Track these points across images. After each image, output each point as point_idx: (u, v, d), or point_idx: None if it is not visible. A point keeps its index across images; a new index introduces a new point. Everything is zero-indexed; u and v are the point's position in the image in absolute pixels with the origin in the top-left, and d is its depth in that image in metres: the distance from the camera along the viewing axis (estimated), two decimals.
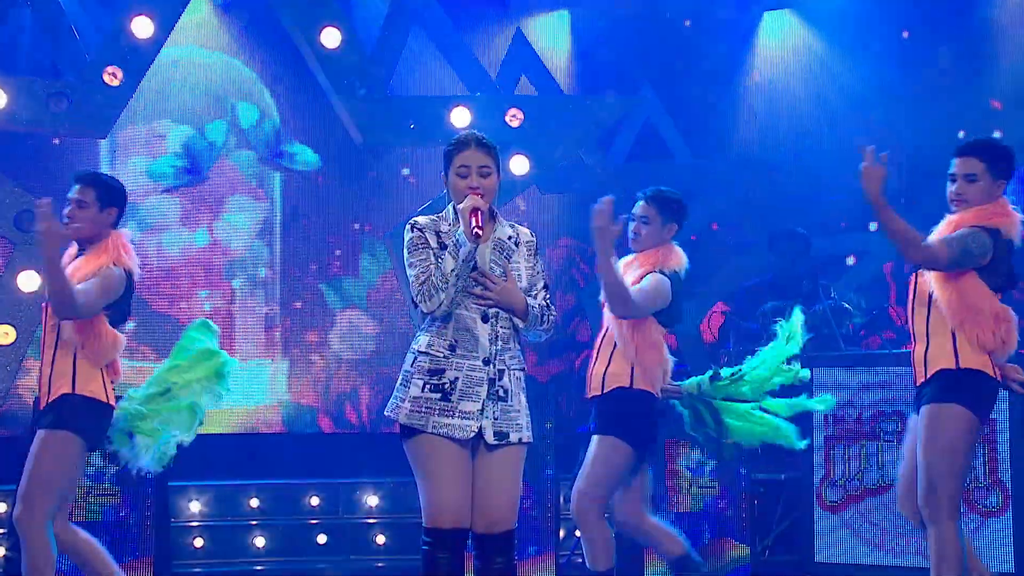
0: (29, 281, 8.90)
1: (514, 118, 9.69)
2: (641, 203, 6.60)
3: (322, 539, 9.08)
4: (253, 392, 10.46)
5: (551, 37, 11.07)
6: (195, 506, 9.04)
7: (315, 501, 9.17)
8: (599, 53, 11.07)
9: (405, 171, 10.80)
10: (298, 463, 9.90)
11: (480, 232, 4.98)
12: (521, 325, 5.13)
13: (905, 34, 10.96)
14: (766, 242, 10.18)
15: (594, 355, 6.58)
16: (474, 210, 5.00)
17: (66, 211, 6.05)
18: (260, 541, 9.00)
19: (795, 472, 8.46)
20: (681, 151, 10.67)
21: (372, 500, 9.19)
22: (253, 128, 10.62)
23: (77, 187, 6.09)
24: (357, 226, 10.73)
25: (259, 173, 10.65)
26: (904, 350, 9.20)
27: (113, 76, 9.19)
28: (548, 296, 5.26)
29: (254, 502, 9.10)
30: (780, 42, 11.25)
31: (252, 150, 10.63)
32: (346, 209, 10.72)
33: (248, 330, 10.58)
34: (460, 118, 9.62)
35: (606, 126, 10.16)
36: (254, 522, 9.06)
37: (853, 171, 5.57)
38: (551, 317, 5.22)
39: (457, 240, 5.04)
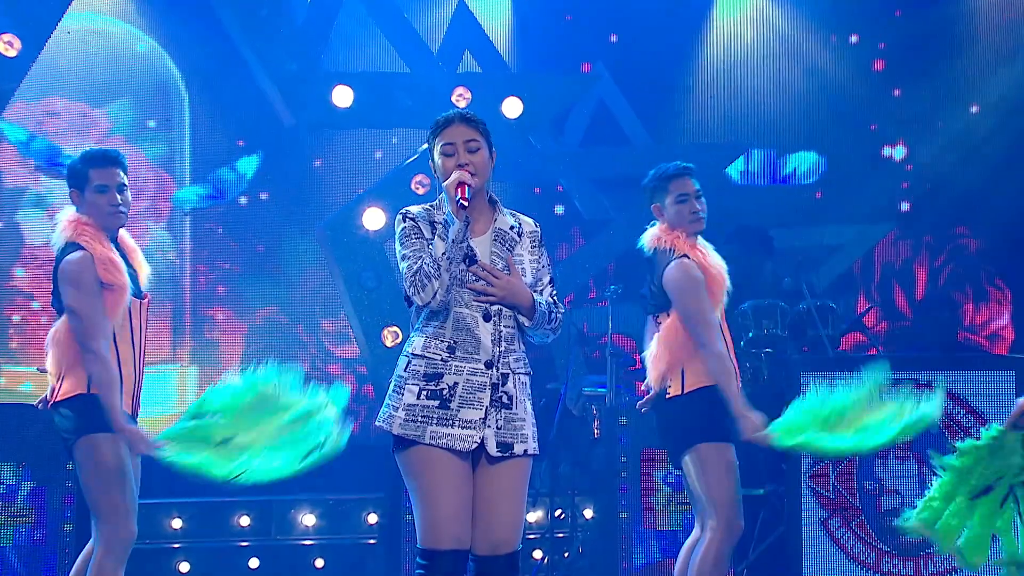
0: None
1: (460, 98, 9.61)
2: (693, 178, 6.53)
3: (254, 563, 8.91)
4: (159, 401, 10.23)
5: (490, 11, 10.97)
6: None
7: (245, 521, 8.99)
8: (542, 28, 10.99)
9: (318, 162, 10.55)
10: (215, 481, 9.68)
11: (466, 203, 4.85)
12: (527, 324, 5.01)
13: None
14: (724, 237, 10.20)
15: None
16: (460, 184, 4.88)
17: (118, 198, 5.96)
18: (184, 566, 8.81)
19: (778, 486, 8.46)
20: (638, 135, 10.65)
21: (309, 519, 9.05)
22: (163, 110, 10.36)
23: (115, 169, 5.96)
24: (277, 216, 10.52)
25: (166, 158, 10.35)
26: (898, 353, 9.38)
27: (9, 45, 8.96)
28: (555, 292, 5.16)
29: (176, 523, 8.89)
30: (738, 19, 11.29)
31: (157, 134, 10.35)
32: (265, 198, 10.48)
33: (153, 331, 10.30)
34: (401, 96, 9.52)
35: (558, 107, 10.10)
36: (176, 545, 8.85)
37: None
38: (559, 315, 5.10)
39: (445, 220, 4.92)
